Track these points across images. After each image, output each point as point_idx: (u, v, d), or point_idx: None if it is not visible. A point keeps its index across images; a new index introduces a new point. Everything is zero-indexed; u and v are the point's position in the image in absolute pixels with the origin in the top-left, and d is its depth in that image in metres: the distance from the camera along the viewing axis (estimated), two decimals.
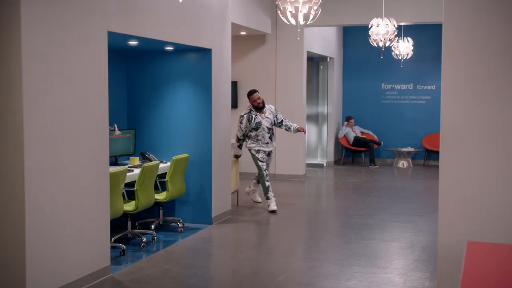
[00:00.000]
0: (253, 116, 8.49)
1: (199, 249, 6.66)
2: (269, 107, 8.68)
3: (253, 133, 8.55)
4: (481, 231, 4.05)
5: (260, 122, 8.50)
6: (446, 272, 4.29)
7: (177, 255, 6.36)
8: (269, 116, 8.59)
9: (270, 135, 8.66)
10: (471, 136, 4.13)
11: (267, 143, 8.64)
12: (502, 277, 2.38)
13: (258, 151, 8.61)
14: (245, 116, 8.50)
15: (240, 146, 8.77)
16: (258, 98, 8.49)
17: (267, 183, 8.64)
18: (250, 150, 8.72)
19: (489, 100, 4.12)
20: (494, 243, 3.24)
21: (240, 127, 8.58)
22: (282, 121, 8.76)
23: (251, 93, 8.54)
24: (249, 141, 8.67)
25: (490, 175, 4.09)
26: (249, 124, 8.50)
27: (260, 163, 8.62)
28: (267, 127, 8.55)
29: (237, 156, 8.85)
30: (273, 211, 8.60)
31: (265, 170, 8.67)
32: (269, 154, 8.82)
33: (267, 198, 8.69)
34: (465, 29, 4.16)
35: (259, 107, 8.50)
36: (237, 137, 8.69)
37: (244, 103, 11.31)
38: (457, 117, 4.17)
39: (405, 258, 6.28)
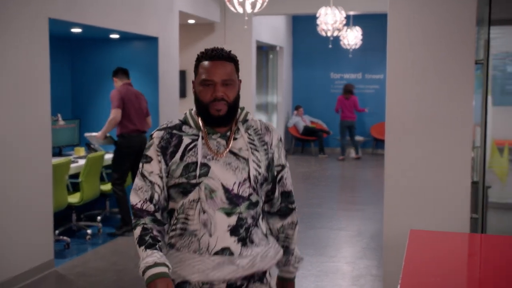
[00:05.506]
0: (186, 140, 2.26)
1: None
2: (259, 126, 2.37)
3: (177, 203, 2.25)
4: (425, 219, 4.09)
5: (206, 165, 2.22)
6: (391, 260, 4.32)
7: (125, 247, 6.24)
8: (245, 157, 2.26)
9: (250, 228, 2.26)
10: (415, 125, 4.16)
11: (232, 255, 2.23)
12: (443, 263, 2.39)
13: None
14: (154, 139, 2.26)
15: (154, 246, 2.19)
16: (225, 83, 2.25)
17: None
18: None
19: (433, 90, 4.15)
20: (436, 231, 3.27)
21: (140, 173, 2.26)
22: (283, 188, 2.49)
23: (197, 63, 2.39)
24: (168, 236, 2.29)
25: (433, 164, 4.13)
26: (165, 161, 2.24)
27: None
28: (231, 191, 2.22)
29: None
30: None
31: None
32: None
33: None
34: (409, 19, 4.18)
35: (215, 116, 2.24)
36: (133, 209, 2.23)
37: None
38: (401, 106, 4.19)
39: (353, 246, 6.33)
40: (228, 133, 2.28)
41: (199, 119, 2.29)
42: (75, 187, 6.63)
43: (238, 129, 2.30)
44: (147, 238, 2.15)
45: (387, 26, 4.24)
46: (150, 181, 2.22)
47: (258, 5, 6.22)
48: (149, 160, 2.25)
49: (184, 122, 2.31)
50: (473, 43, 3.97)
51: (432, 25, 4.09)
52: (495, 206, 5.12)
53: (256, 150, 2.29)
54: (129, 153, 6.71)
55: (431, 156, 4.12)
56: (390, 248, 4.23)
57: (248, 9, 6.22)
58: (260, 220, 2.32)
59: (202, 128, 2.28)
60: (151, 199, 2.21)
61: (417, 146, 4.14)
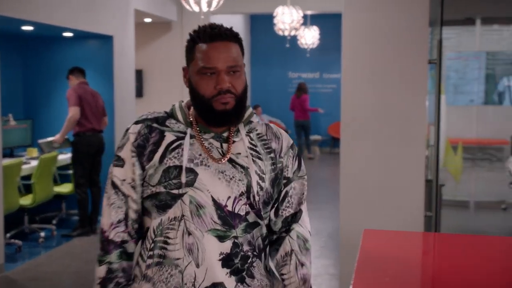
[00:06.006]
0: (169, 137, 1.75)
1: None
2: (265, 130, 1.85)
3: (154, 221, 1.74)
4: (379, 217, 4.12)
5: (193, 171, 1.70)
6: (347, 259, 4.33)
7: (79, 250, 6.12)
8: (244, 165, 1.75)
9: (248, 258, 1.75)
10: (370, 125, 4.18)
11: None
12: (396, 262, 2.40)
13: None
14: (130, 135, 1.76)
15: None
16: (231, 70, 1.72)
17: None
18: None
19: (387, 90, 4.18)
20: (390, 230, 3.29)
21: (110, 180, 1.79)
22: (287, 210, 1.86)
23: (190, 47, 1.79)
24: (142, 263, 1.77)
25: (387, 163, 4.16)
26: (141, 165, 1.74)
27: None
28: (225, 208, 1.71)
29: None
30: None
31: None
32: None
33: None
34: (363, 19, 4.19)
35: (219, 111, 1.71)
36: (102, 235, 1.77)
37: (151, 92, 11.01)
38: (356, 106, 4.21)
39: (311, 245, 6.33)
40: (225, 134, 1.76)
41: (190, 112, 1.78)
42: (28, 189, 6.47)
43: (238, 130, 1.79)
44: (111, 286, 1.73)
45: (342, 26, 4.25)
46: (123, 193, 1.74)
47: (214, 4, 6.17)
48: (121, 163, 1.75)
49: (171, 115, 1.78)
50: (426, 43, 4.01)
51: (386, 26, 4.12)
52: (449, 203, 5.20)
53: (259, 158, 1.77)
54: (87, 152, 6.64)
55: (385, 155, 4.14)
56: (346, 247, 4.24)
57: (204, 8, 6.17)
58: (265, 250, 1.82)
59: (193, 123, 1.77)
60: (125, 218, 1.74)
61: (371, 145, 4.16)
